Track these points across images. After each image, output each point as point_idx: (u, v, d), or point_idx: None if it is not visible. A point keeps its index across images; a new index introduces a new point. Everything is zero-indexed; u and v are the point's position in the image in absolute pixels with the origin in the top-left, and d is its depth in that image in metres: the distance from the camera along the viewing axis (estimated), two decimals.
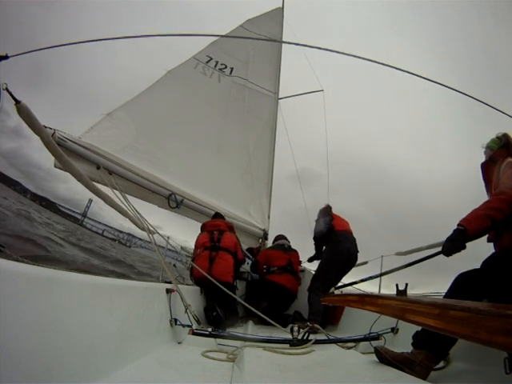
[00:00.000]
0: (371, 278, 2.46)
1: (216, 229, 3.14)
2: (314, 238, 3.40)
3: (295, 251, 3.59)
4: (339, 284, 3.15)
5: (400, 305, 1.09)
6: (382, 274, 2.44)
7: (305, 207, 4.95)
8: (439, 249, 1.56)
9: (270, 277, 3.30)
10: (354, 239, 3.19)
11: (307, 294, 3.04)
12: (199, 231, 3.23)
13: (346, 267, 3.09)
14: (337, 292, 3.01)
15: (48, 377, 0.76)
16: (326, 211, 3.49)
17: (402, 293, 1.20)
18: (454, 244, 1.40)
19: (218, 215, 3.50)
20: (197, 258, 2.90)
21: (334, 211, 3.48)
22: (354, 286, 2.91)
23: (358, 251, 3.14)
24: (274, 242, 3.83)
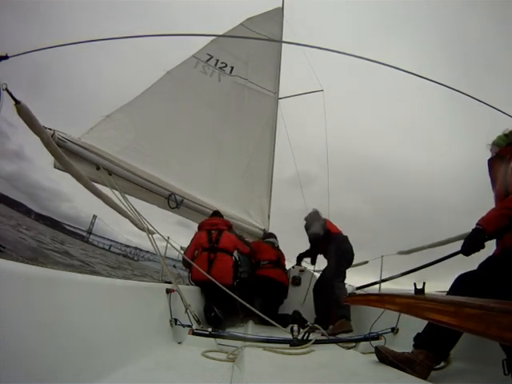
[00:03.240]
0: (392, 278, 2.46)
1: (215, 228, 3.07)
2: (313, 241, 3.38)
3: (281, 252, 3.68)
4: (359, 285, 3.05)
5: (418, 303, 1.12)
6: (403, 274, 2.44)
7: (305, 209, 4.95)
8: (443, 247, 1.58)
9: (260, 271, 3.33)
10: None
11: (304, 293, 3.04)
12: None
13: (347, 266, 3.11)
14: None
15: (48, 377, 0.76)
16: (317, 215, 3.47)
17: (419, 291, 1.23)
18: (473, 244, 1.44)
19: (216, 213, 3.44)
20: (195, 260, 2.83)
21: (332, 212, 3.54)
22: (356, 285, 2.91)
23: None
24: (263, 238, 3.92)
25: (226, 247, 2.94)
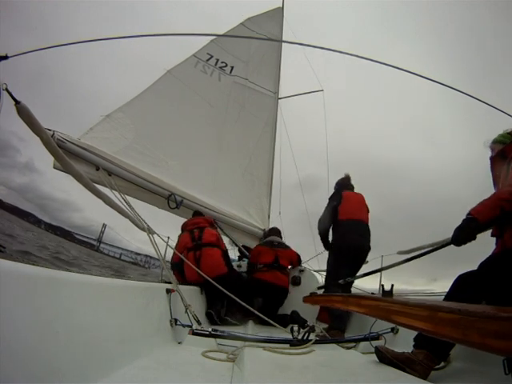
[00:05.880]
0: (372, 272, 2.44)
1: (195, 227, 3.10)
2: (319, 234, 3.03)
3: (285, 247, 3.53)
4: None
5: (386, 306, 1.06)
6: (381, 269, 2.42)
7: (306, 212, 4.93)
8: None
9: (257, 275, 3.29)
10: (365, 228, 2.83)
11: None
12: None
13: (356, 262, 2.77)
14: None
15: (48, 377, 0.76)
16: (337, 190, 3.06)
17: (387, 293, 1.18)
18: (464, 232, 1.39)
19: (197, 213, 3.47)
20: (184, 263, 2.77)
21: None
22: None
23: (369, 245, 2.80)
24: (266, 236, 3.82)
25: (210, 241, 2.96)
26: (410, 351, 1.34)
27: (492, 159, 1.67)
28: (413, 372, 1.22)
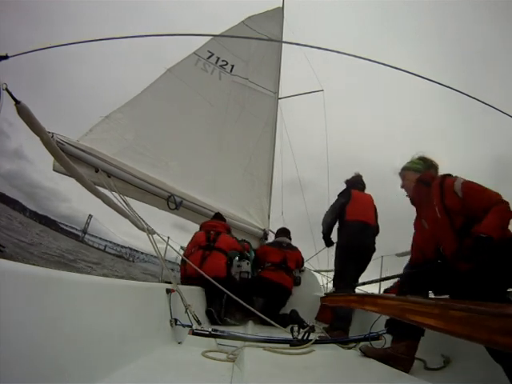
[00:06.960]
0: (375, 281, 2.46)
1: (213, 229, 3.17)
2: (322, 232, 3.06)
3: (294, 249, 3.54)
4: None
5: (400, 305, 1.09)
6: (382, 280, 2.45)
7: (306, 213, 4.94)
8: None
9: (263, 273, 3.33)
10: (371, 230, 2.83)
11: (306, 293, 2.99)
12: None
13: (362, 262, 2.81)
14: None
15: (48, 377, 0.76)
16: (347, 187, 3.06)
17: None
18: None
19: (217, 216, 3.51)
20: (189, 257, 2.87)
21: None
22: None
23: (374, 246, 2.83)
24: (275, 236, 3.82)
25: (221, 247, 3.02)
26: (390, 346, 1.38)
27: (415, 190, 1.63)
28: (398, 367, 1.23)
